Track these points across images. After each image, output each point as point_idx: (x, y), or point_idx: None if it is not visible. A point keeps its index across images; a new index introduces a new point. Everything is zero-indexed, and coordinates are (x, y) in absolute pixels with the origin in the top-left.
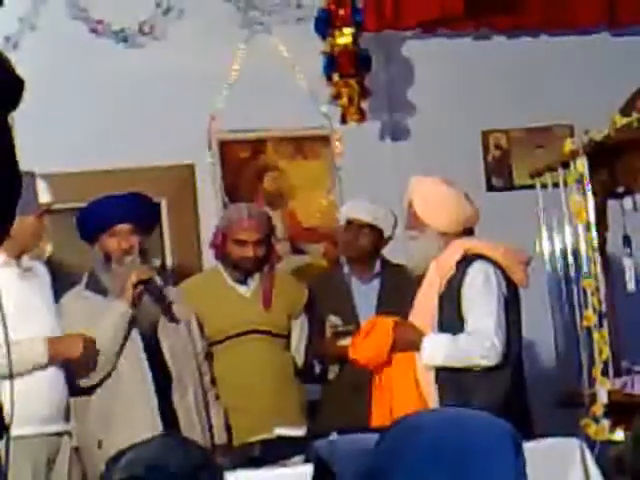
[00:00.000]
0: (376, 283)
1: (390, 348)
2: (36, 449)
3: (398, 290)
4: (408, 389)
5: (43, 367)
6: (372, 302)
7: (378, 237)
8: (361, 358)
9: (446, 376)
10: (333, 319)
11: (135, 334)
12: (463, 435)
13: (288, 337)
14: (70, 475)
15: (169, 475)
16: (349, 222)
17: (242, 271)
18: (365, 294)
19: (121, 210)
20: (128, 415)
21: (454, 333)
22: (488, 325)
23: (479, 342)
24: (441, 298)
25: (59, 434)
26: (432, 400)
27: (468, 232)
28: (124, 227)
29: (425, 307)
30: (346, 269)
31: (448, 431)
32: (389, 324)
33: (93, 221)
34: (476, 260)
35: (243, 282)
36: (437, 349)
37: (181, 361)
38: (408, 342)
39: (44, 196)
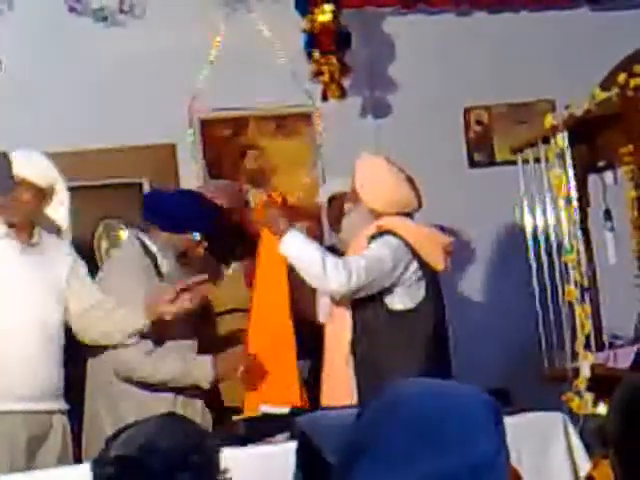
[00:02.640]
0: None
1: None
2: (14, 426)
3: None
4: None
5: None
6: None
7: None
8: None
9: (363, 358)
10: None
11: None
12: (443, 406)
13: None
14: (66, 452)
15: (160, 455)
16: (331, 200)
17: None
18: None
19: (209, 221)
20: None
21: (372, 312)
22: (358, 261)
23: (342, 267)
24: None
25: (48, 412)
26: (351, 385)
27: (405, 217)
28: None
29: None
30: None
31: (428, 402)
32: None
33: (185, 219)
34: (385, 234)
35: None
36: (295, 244)
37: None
38: (271, 217)
39: (50, 172)
